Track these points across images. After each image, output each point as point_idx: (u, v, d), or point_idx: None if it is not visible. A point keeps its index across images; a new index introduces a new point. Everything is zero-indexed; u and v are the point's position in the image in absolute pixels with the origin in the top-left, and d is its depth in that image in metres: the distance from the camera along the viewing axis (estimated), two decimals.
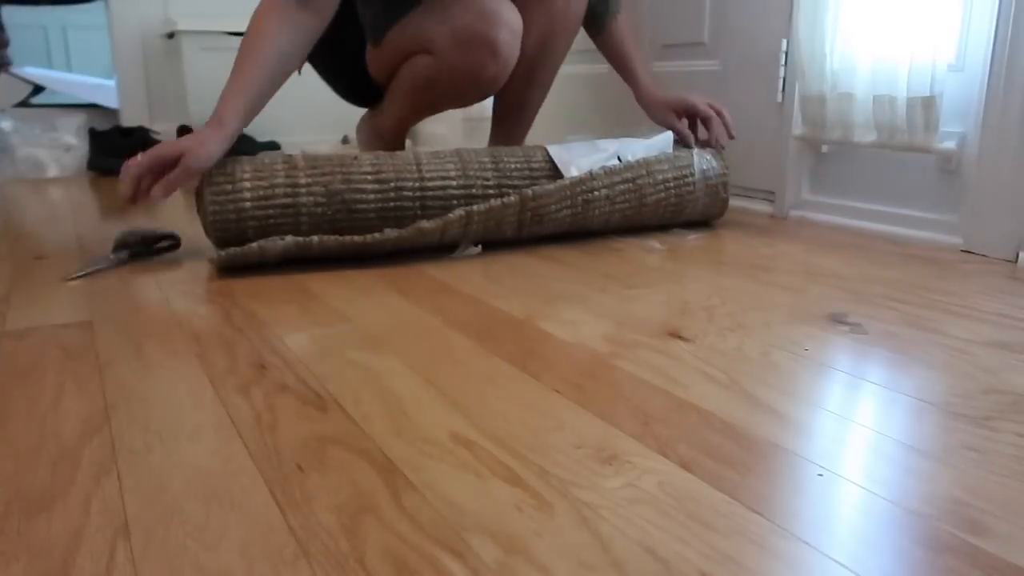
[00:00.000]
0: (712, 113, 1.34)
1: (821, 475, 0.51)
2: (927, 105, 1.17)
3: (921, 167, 1.25)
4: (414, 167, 1.15)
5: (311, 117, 2.58)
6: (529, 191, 1.13)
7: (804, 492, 0.49)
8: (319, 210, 1.09)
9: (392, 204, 1.12)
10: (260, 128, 2.56)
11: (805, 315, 0.86)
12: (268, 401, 0.64)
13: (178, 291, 0.98)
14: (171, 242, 1.17)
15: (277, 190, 1.08)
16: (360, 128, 1.61)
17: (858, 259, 1.12)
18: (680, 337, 0.79)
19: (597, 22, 1.52)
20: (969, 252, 1.17)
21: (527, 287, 0.98)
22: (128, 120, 2.58)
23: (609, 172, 1.20)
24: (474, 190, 1.17)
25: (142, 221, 1.47)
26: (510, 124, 1.54)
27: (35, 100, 2.79)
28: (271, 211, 1.08)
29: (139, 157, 1.04)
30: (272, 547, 0.44)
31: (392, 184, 1.12)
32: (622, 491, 0.49)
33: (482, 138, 1.79)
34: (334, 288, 0.98)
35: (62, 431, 0.59)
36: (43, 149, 2.27)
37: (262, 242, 1.01)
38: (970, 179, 1.17)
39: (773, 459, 0.53)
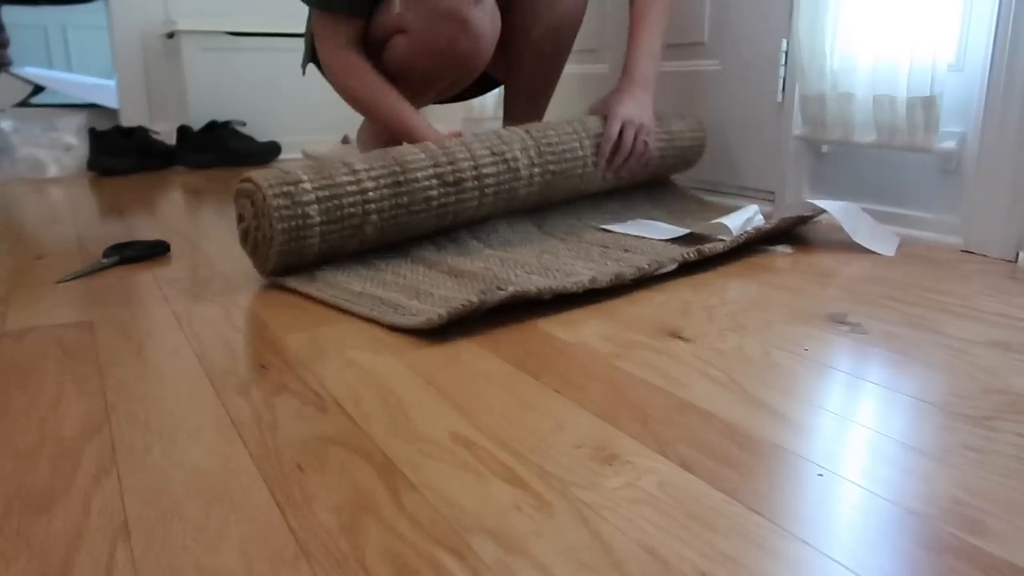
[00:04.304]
0: (614, 138, 1.27)
1: (821, 475, 0.51)
2: (927, 105, 1.17)
3: (921, 167, 1.25)
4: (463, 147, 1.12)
5: (311, 117, 2.58)
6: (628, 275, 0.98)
7: (804, 492, 0.49)
8: (376, 173, 1.03)
9: (448, 167, 1.08)
10: (260, 128, 2.56)
11: (805, 315, 0.86)
12: (268, 401, 0.64)
13: (178, 291, 0.98)
14: (161, 249, 1.17)
15: (339, 171, 1.02)
16: (360, 130, 1.60)
17: (858, 259, 1.12)
18: (680, 337, 0.79)
19: None
20: (969, 252, 1.17)
21: None
22: (128, 120, 2.58)
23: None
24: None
25: (141, 222, 1.47)
26: (522, 116, 1.53)
27: (35, 100, 2.80)
28: (334, 190, 1.00)
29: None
30: (272, 547, 0.44)
31: (437, 149, 1.10)
32: (622, 491, 0.49)
33: None
34: None
35: (62, 431, 0.59)
36: (43, 149, 2.27)
37: (481, 295, 0.84)
38: (970, 179, 1.17)
39: (773, 459, 0.53)
